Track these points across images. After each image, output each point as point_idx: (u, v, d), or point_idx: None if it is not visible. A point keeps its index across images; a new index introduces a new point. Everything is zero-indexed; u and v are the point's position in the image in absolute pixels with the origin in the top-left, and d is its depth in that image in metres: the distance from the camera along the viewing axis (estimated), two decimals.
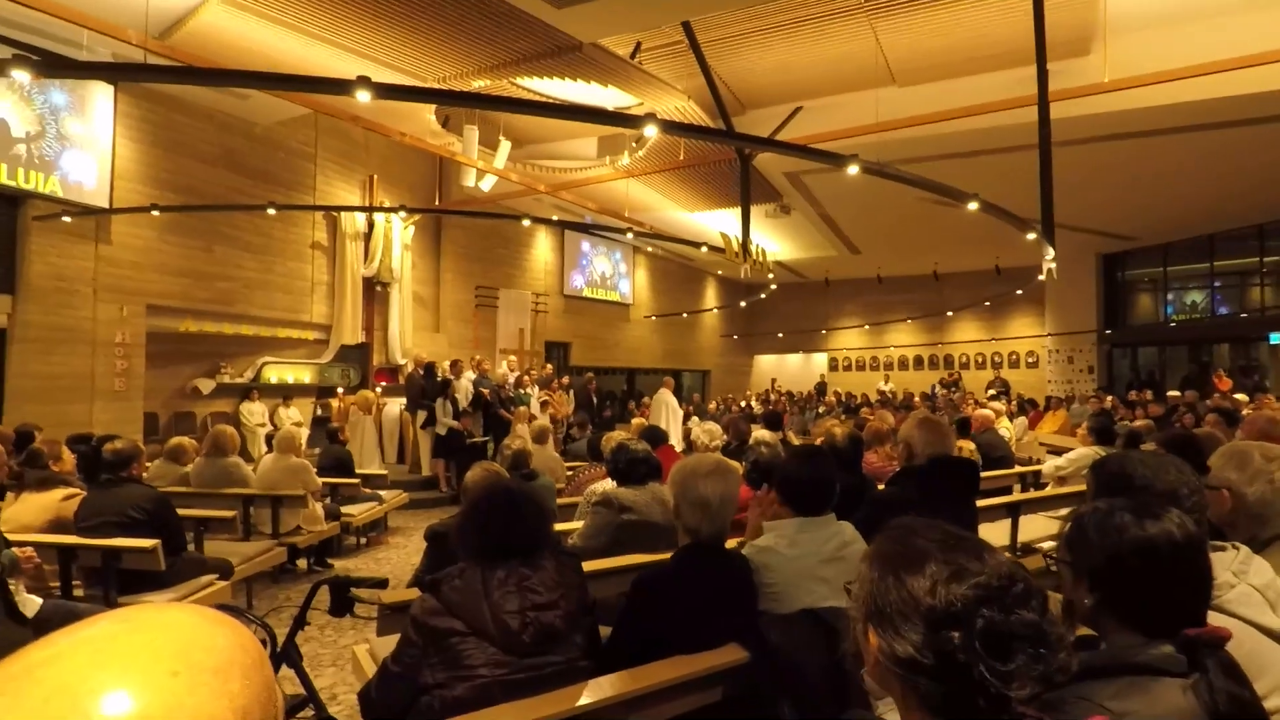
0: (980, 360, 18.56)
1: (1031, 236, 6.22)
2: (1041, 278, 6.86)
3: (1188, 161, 10.35)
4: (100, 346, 8.45)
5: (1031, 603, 0.90)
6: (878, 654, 0.94)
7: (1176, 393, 11.61)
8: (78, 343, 8.28)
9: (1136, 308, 16.98)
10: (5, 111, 7.60)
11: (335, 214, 11.18)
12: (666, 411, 11.87)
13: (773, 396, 17.18)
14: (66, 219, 7.99)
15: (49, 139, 7.97)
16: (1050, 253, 6.33)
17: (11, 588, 2.82)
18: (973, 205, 5.77)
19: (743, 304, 18.18)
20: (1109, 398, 11.79)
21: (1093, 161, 9.93)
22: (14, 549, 2.86)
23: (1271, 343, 14.17)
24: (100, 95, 8.42)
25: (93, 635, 0.47)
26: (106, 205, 8.35)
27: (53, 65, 3.84)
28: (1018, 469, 6.62)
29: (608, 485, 3.84)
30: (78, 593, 3.79)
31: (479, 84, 8.33)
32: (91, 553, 3.66)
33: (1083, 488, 5.06)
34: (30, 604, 2.87)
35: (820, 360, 21.01)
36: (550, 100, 8.48)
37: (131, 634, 0.48)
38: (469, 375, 10.10)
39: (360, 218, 11.39)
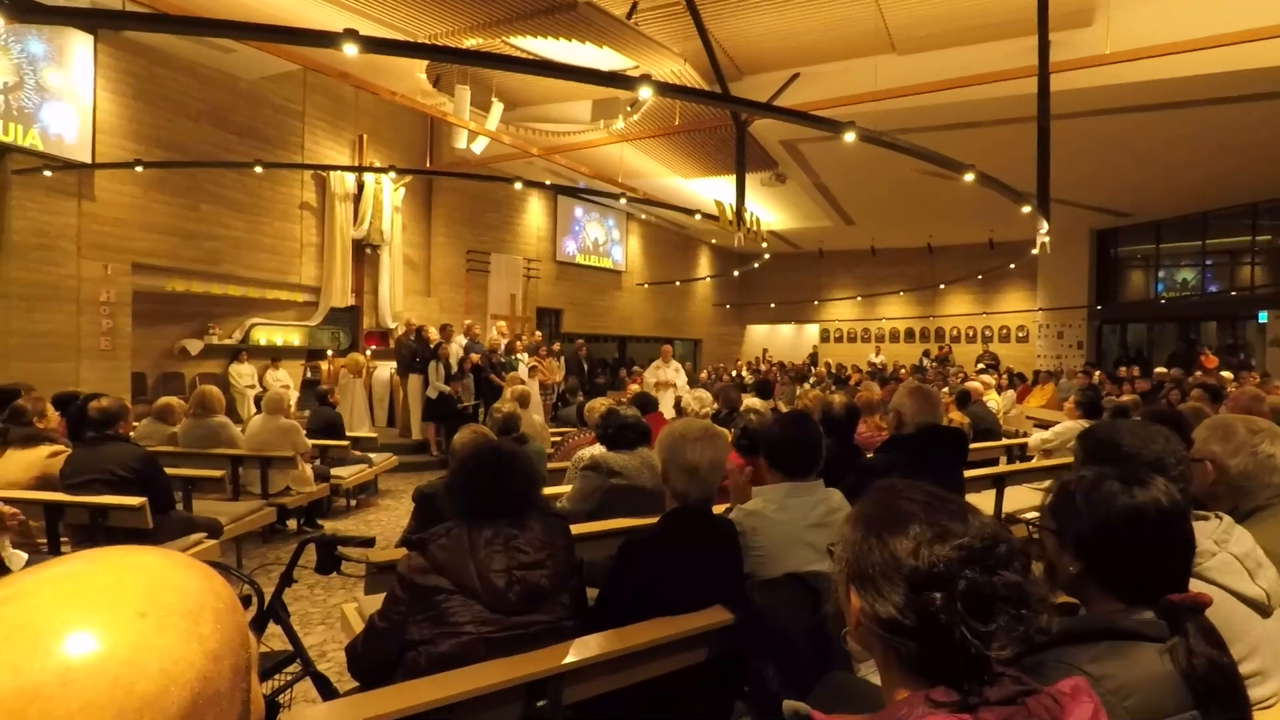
0: (971, 334, 18.64)
1: (1027, 210, 6.19)
2: (1035, 252, 6.86)
3: (1185, 137, 10.30)
4: (85, 305, 8.34)
5: (1014, 564, 0.90)
6: (859, 615, 0.94)
7: (1164, 369, 11.71)
8: (62, 300, 8.16)
9: (1128, 284, 17.05)
10: None
11: (324, 174, 11.00)
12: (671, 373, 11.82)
13: (763, 367, 17.22)
14: (47, 173, 7.81)
15: (27, 90, 7.76)
16: (1045, 226, 6.31)
17: None
18: (969, 176, 5.72)
19: (736, 273, 18.12)
20: (1096, 373, 11.88)
21: (1090, 135, 9.87)
22: None
23: (1260, 321, 14.27)
24: (80, 45, 8.18)
25: (58, 574, 0.46)
26: (88, 160, 8.16)
27: (23, 9, 3.69)
28: (1005, 441, 6.69)
29: (598, 449, 3.85)
30: (65, 550, 3.79)
31: (471, 42, 8.14)
32: (78, 510, 3.65)
33: (1068, 460, 5.12)
34: (16, 559, 2.87)
35: (812, 331, 21.05)
36: (543, 60, 8.31)
37: (99, 574, 0.46)
38: (459, 340, 10.05)
39: (350, 178, 11.21)
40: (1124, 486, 1.28)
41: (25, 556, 2.95)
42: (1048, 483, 5.16)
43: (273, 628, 2.39)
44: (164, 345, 9.56)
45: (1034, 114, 5.99)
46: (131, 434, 4.79)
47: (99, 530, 3.64)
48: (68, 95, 8.08)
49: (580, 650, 1.86)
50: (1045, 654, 1.17)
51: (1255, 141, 10.37)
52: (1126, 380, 10.42)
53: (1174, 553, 1.27)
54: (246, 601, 2.01)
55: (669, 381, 10.57)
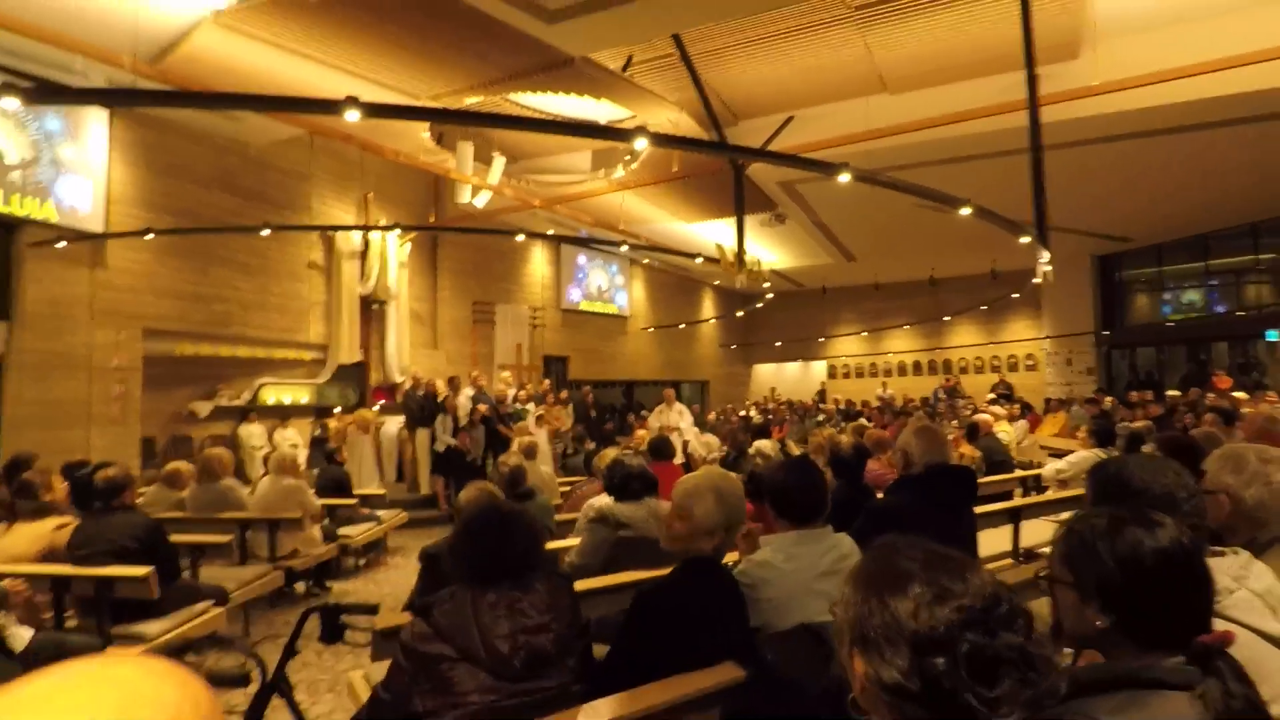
0: (979, 364, 18.55)
1: (1026, 240, 6.22)
2: (1037, 280, 6.87)
3: (1178, 162, 10.38)
4: (97, 372, 8.43)
5: (1016, 624, 0.88)
6: (864, 680, 0.92)
7: (1176, 392, 11.59)
8: (74, 368, 8.26)
9: (1133, 308, 16.99)
10: None
11: (331, 233, 11.20)
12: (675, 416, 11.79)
13: (771, 405, 17.14)
14: (61, 244, 7.98)
15: (43, 165, 7.99)
16: (1045, 256, 6.33)
17: (1, 622, 2.79)
18: (965, 211, 5.77)
19: (740, 314, 18.18)
20: (1108, 399, 11.76)
21: (1084, 164, 9.96)
22: (4, 581, 2.83)
23: (1269, 340, 14.16)
24: (95, 120, 8.45)
25: (30, 693, 0.45)
26: (102, 229, 8.35)
27: (45, 92, 3.84)
28: (1018, 473, 6.59)
29: (604, 501, 3.82)
30: (71, 623, 3.75)
31: (471, 101, 8.36)
32: (84, 582, 3.62)
33: (1084, 491, 5.03)
34: (19, 638, 2.84)
35: (819, 368, 21.00)
36: (542, 116, 8.51)
37: (71, 690, 0.45)
38: (467, 392, 10.07)
39: (356, 236, 11.41)
40: (1146, 530, 1.22)
41: (29, 634, 2.92)
42: (1064, 515, 5.06)
43: (277, 701, 2.35)
44: (173, 409, 9.62)
45: (1027, 146, 6.06)
46: (139, 500, 4.79)
47: (105, 602, 3.60)
48: (82, 168, 8.32)
49: (590, 716, 1.81)
50: (1063, 706, 1.13)
51: (1251, 163, 10.44)
52: (1139, 405, 10.30)
53: (1201, 593, 1.23)
54: (245, 680, 1.97)
55: (674, 426, 10.52)
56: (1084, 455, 5.25)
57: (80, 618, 3.80)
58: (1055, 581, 1.28)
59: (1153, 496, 1.67)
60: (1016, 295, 16.03)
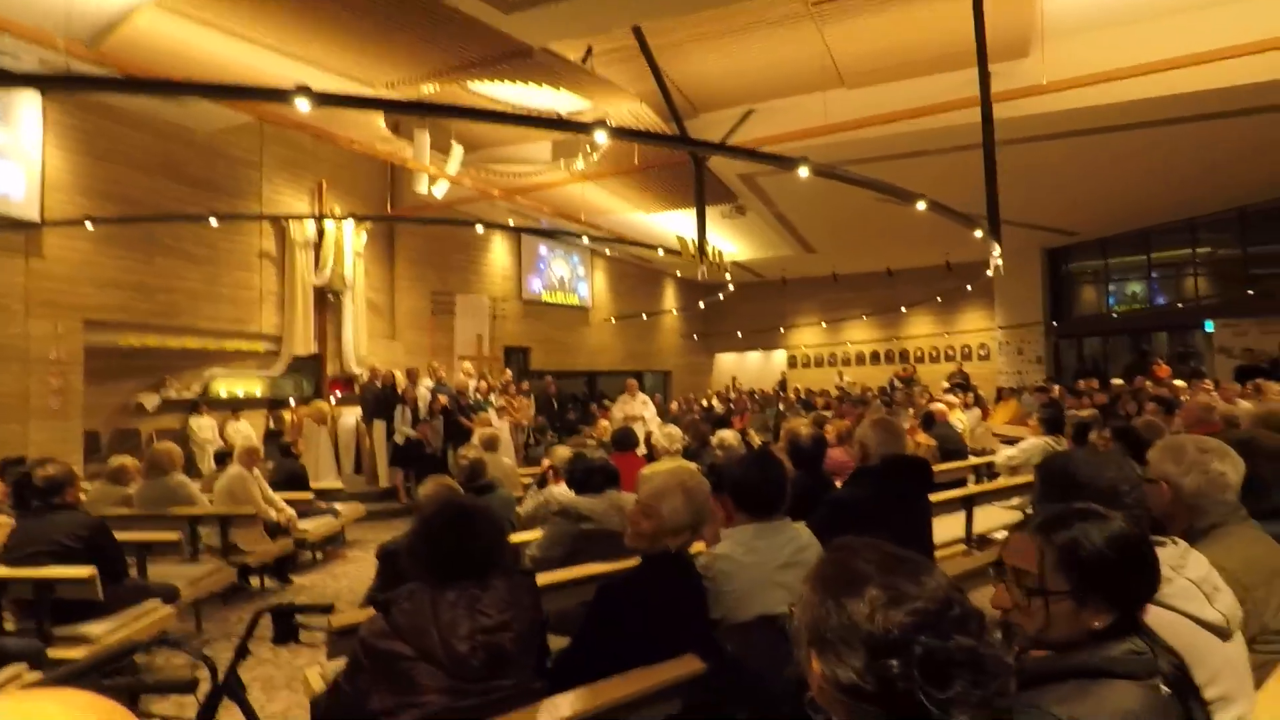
0: (935, 354, 18.98)
1: (979, 234, 6.36)
2: (989, 273, 7.04)
3: (1123, 159, 10.73)
4: (34, 364, 8.07)
5: (969, 626, 0.90)
6: (821, 679, 0.93)
7: (1120, 381, 12.02)
8: (9, 360, 7.89)
9: (1080, 299, 17.58)
10: None
11: (284, 222, 10.89)
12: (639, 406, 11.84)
13: (733, 395, 17.29)
14: None
15: None
16: (997, 249, 6.49)
17: None
18: (921, 205, 5.87)
19: (701, 304, 18.25)
20: (1056, 387, 12.14)
21: (1034, 159, 10.23)
22: None
23: (1207, 330, 14.79)
24: (27, 104, 8.04)
25: None
26: (37, 218, 7.97)
27: None
28: (972, 460, 6.77)
29: (566, 494, 3.81)
30: (9, 626, 3.60)
31: (428, 89, 8.19)
32: (22, 584, 3.48)
33: (1033, 478, 5.20)
34: None
35: (780, 357, 21.24)
36: (501, 106, 8.39)
37: None
38: (426, 383, 9.93)
39: (310, 225, 11.11)
40: (1110, 520, 1.27)
41: None
42: (1015, 500, 5.21)
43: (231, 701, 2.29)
44: (118, 402, 9.28)
45: (980, 141, 6.19)
46: (82, 497, 4.61)
47: (45, 604, 3.47)
48: (15, 153, 7.92)
49: (551, 712, 1.81)
50: (1012, 698, 1.17)
51: (1190, 160, 10.86)
52: (1086, 393, 10.67)
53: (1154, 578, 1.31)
54: (193, 685, 1.92)
55: (637, 415, 10.54)
56: (1034, 442, 5.42)
57: (19, 620, 3.65)
58: (1051, 594, 1.23)
59: (1097, 490, 1.73)
60: (970, 287, 16.43)
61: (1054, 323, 17.28)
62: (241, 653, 2.16)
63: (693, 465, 2.60)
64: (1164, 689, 1.22)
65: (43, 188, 8.11)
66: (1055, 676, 1.21)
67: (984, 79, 6.18)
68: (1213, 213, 14.13)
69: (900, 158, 10.07)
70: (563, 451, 4.59)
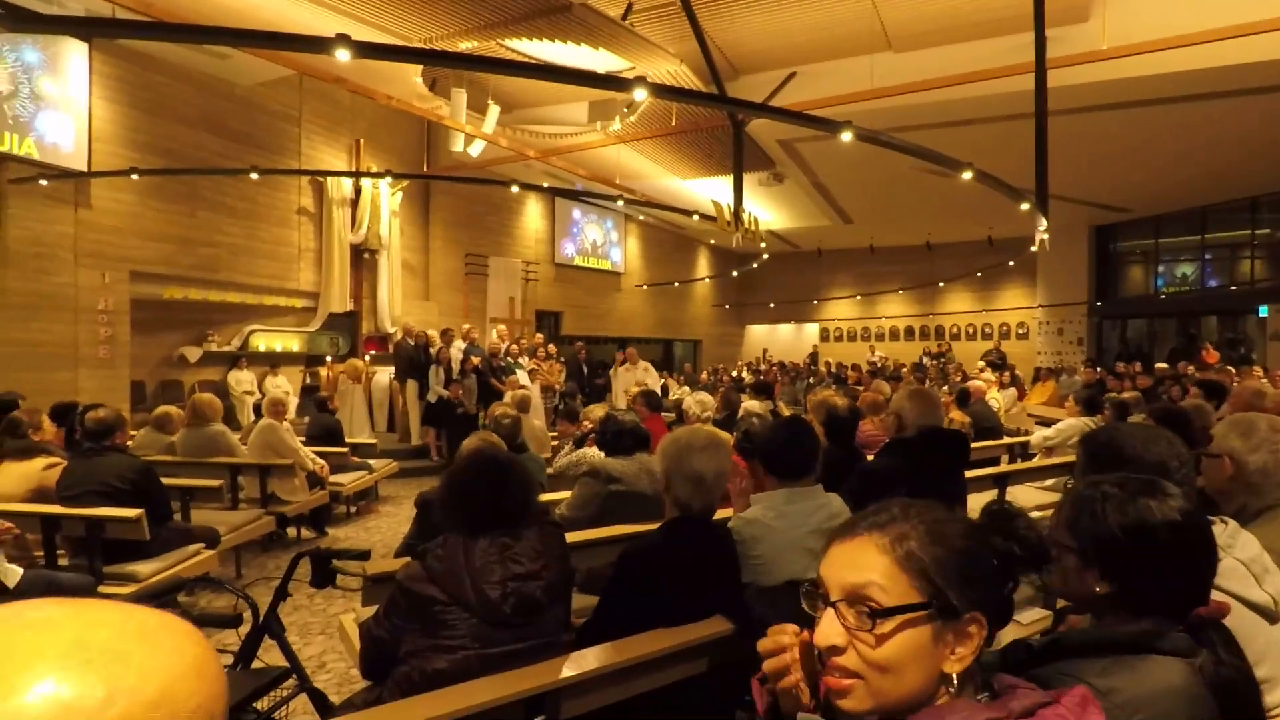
0: (971, 331, 18.62)
1: (1025, 207, 6.16)
2: (1034, 249, 6.84)
3: (1183, 132, 10.27)
4: (83, 313, 8.32)
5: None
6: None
7: (1164, 365, 11.68)
8: (59, 309, 8.14)
9: (1127, 280, 17.02)
10: None
11: (321, 179, 10.97)
12: (641, 374, 11.91)
13: (763, 367, 17.20)
14: (44, 182, 7.79)
15: (22, 98, 7.74)
16: (1043, 223, 6.28)
17: None
18: (967, 175, 5.69)
19: (735, 273, 18.10)
20: (1097, 370, 11.85)
21: (1088, 131, 9.84)
22: None
23: (1260, 315, 14.25)
24: (74, 53, 8.16)
25: (38, 614, 0.42)
26: (85, 168, 8.14)
27: (19, 18, 3.68)
28: (1006, 440, 6.66)
29: (596, 455, 3.83)
30: (63, 562, 3.76)
31: (466, 45, 8.12)
32: (75, 522, 3.62)
33: (1071, 458, 5.09)
34: (11, 574, 2.85)
35: (812, 330, 21.03)
36: (539, 62, 8.29)
37: (72, 619, 0.42)
38: (459, 344, 10.02)
39: (347, 183, 11.19)
40: (1157, 499, 1.22)
41: (20, 571, 2.93)
42: (1050, 481, 5.13)
43: (270, 641, 2.37)
44: (162, 353, 9.54)
45: (1032, 110, 5.96)
46: (129, 444, 4.77)
47: (96, 543, 3.61)
48: (63, 104, 8.06)
49: (578, 664, 1.84)
50: (1050, 667, 1.15)
51: (1254, 135, 10.34)
52: (1127, 376, 10.39)
53: (1206, 565, 1.24)
54: (238, 620, 1.99)
55: (641, 383, 10.53)
56: (1072, 423, 5.30)
57: (71, 557, 3.81)
58: (1059, 546, 1.26)
59: (1145, 464, 1.68)
60: (1012, 263, 16.02)
61: (1098, 303, 16.79)
62: (281, 594, 2.23)
63: (708, 429, 2.58)
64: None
65: (90, 138, 8.27)
66: (1095, 648, 1.18)
67: (1040, 43, 5.92)
68: (1276, 191, 13.50)
69: (945, 126, 9.76)
70: (598, 411, 4.62)
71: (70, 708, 0.38)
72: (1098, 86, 8.29)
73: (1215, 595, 1.45)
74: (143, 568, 3.73)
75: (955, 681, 0.85)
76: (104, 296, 8.51)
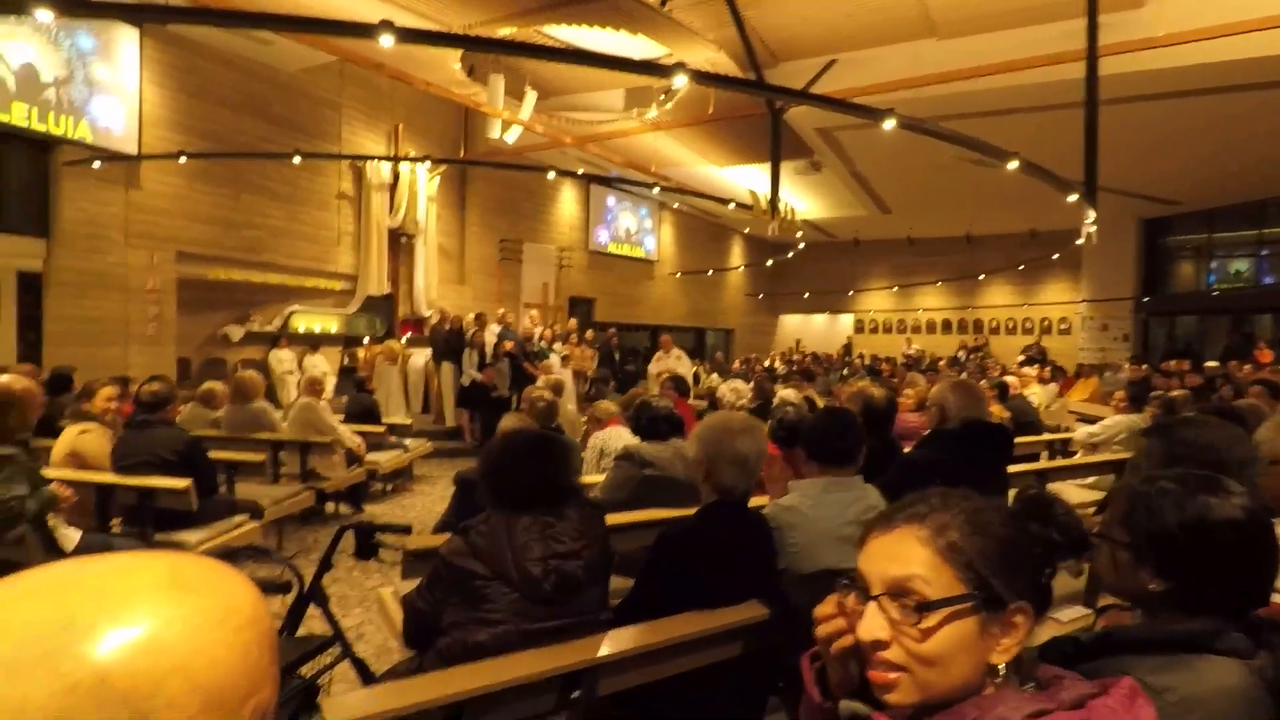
0: (1010, 325, 18.23)
1: (1073, 198, 6.00)
2: (1080, 242, 6.66)
3: (1240, 122, 9.88)
4: (132, 292, 8.57)
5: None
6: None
7: (1215, 363, 11.31)
8: (110, 288, 8.40)
9: (1176, 275, 16.46)
10: (33, 55, 7.58)
11: (360, 164, 11.13)
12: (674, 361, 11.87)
13: (796, 357, 17.06)
14: (97, 164, 8.02)
15: (77, 83, 7.97)
16: (1091, 216, 6.12)
17: (51, 523, 2.91)
18: (1013, 164, 5.56)
19: (769, 262, 17.92)
20: (1144, 366, 11.53)
21: (1139, 121, 9.52)
22: (52, 485, 2.94)
23: None
24: (126, 39, 8.37)
25: (101, 565, 0.45)
26: (135, 151, 8.37)
27: (74, 4, 3.79)
28: (1047, 436, 6.52)
29: (630, 439, 3.85)
30: (115, 529, 3.91)
31: (505, 31, 8.14)
32: (128, 491, 3.76)
33: (1114, 456, 4.98)
34: (69, 538, 2.97)
35: (846, 321, 20.79)
36: (577, 49, 8.27)
37: (133, 568, 0.45)
38: (493, 328, 10.12)
39: (385, 168, 11.33)
40: (1218, 497, 1.18)
41: (78, 534, 3.05)
42: (1092, 479, 5.01)
43: (313, 609, 2.44)
44: (207, 332, 9.80)
45: (1081, 99, 5.79)
46: (177, 418, 4.92)
47: (148, 511, 3.74)
48: (115, 88, 8.29)
49: (615, 643, 1.86)
50: (1099, 662, 1.13)
51: None
52: (1176, 374, 10.09)
53: (1268, 565, 1.20)
54: (287, 587, 2.05)
55: (672, 371, 10.50)
56: (1118, 419, 5.17)
57: (124, 525, 3.95)
58: (1112, 542, 1.25)
59: (1224, 464, 1.62)
60: (1056, 256, 15.61)
61: (1145, 299, 16.29)
62: (325, 565, 2.29)
63: (743, 416, 2.57)
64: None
65: (140, 122, 8.49)
66: (1149, 645, 1.16)
67: (1092, 29, 5.74)
68: None
69: (989, 115, 9.52)
70: (608, 405, 4.66)
71: (196, 623, 0.41)
72: (1151, 75, 8.01)
73: (1277, 598, 1.41)
74: (191, 536, 3.86)
75: (1002, 672, 0.85)
76: (152, 276, 8.76)
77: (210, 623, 0.42)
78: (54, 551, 2.89)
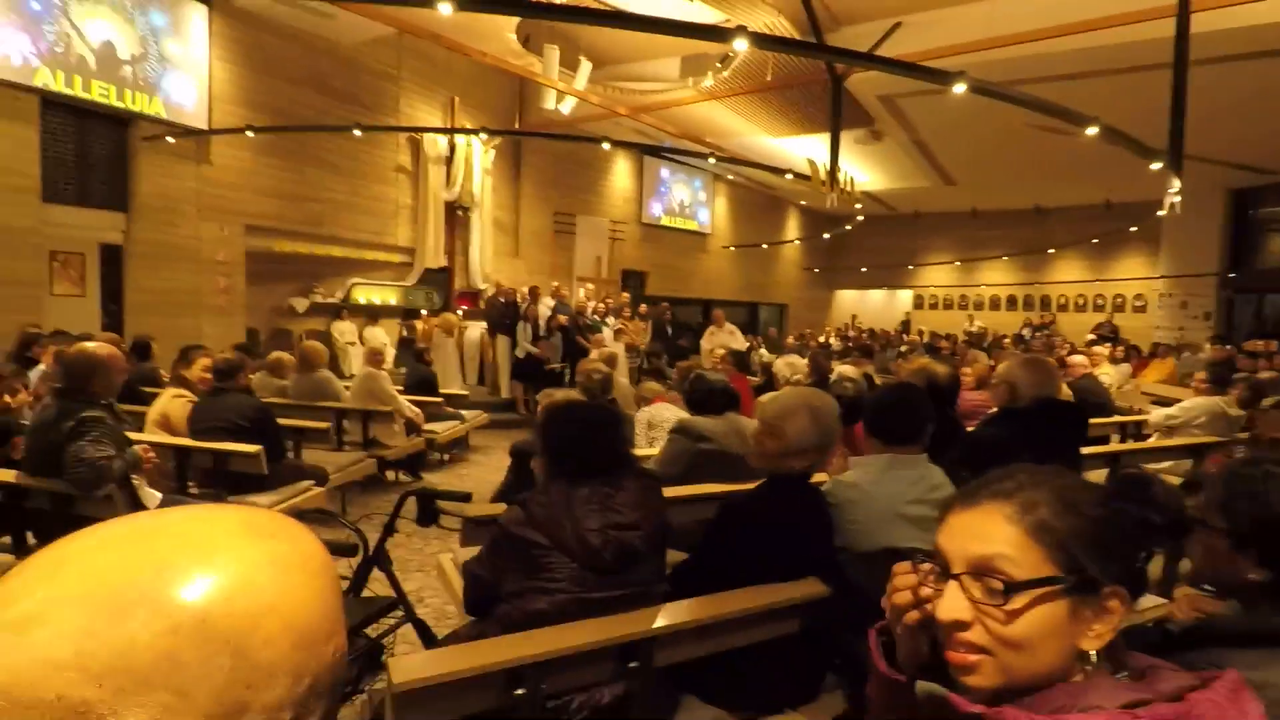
0: (1080, 302, 17.44)
1: (1156, 166, 5.65)
2: (1162, 213, 6.27)
3: None
4: (204, 264, 8.92)
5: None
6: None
7: None
8: (184, 260, 8.76)
9: (1267, 250, 15.40)
10: (111, 33, 7.87)
11: (418, 138, 11.26)
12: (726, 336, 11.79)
13: (851, 333, 16.72)
14: (170, 139, 8.33)
15: (151, 60, 8.25)
16: (1175, 185, 5.75)
17: (135, 483, 3.06)
18: (1092, 130, 5.26)
19: (826, 236, 17.53)
20: (1227, 346, 10.90)
21: (1232, 83, 8.88)
22: (136, 447, 3.10)
23: None
24: (195, 15, 8.61)
25: (187, 514, 0.46)
26: (205, 126, 8.65)
27: None
28: (1118, 418, 6.24)
29: (676, 413, 3.83)
30: (192, 490, 4.11)
31: None
32: (203, 455, 3.94)
33: (1192, 440, 4.73)
34: (151, 498, 3.12)
35: (905, 297, 20.24)
36: (636, 15, 8.14)
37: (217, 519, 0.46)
38: (547, 301, 10.20)
39: (442, 141, 11.45)
40: None
41: (159, 495, 3.21)
42: (1167, 464, 4.78)
43: (376, 573, 2.52)
44: (274, 303, 10.14)
45: (1168, 60, 5.42)
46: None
47: (223, 474, 3.92)
48: (186, 65, 8.55)
49: (673, 615, 1.86)
50: (1195, 654, 1.07)
51: None
52: (1263, 355, 9.51)
53: None
54: (353, 549, 2.11)
55: (725, 346, 10.40)
56: (1199, 402, 4.91)
57: (199, 487, 4.15)
58: (1207, 527, 1.19)
59: None
60: (1134, 229, 14.81)
61: (1230, 275, 15.32)
62: (389, 530, 2.35)
63: (819, 390, 2.53)
64: None
65: (210, 98, 8.76)
66: (1247, 638, 1.09)
67: None
68: None
69: (1064, 79, 9.01)
70: (655, 385, 4.65)
71: (282, 566, 0.43)
72: (1245, 31, 7.45)
73: None
74: (261, 499, 4.03)
75: (1094, 659, 0.81)
76: (223, 249, 9.09)
77: (292, 566, 0.44)
78: (138, 510, 3.05)
